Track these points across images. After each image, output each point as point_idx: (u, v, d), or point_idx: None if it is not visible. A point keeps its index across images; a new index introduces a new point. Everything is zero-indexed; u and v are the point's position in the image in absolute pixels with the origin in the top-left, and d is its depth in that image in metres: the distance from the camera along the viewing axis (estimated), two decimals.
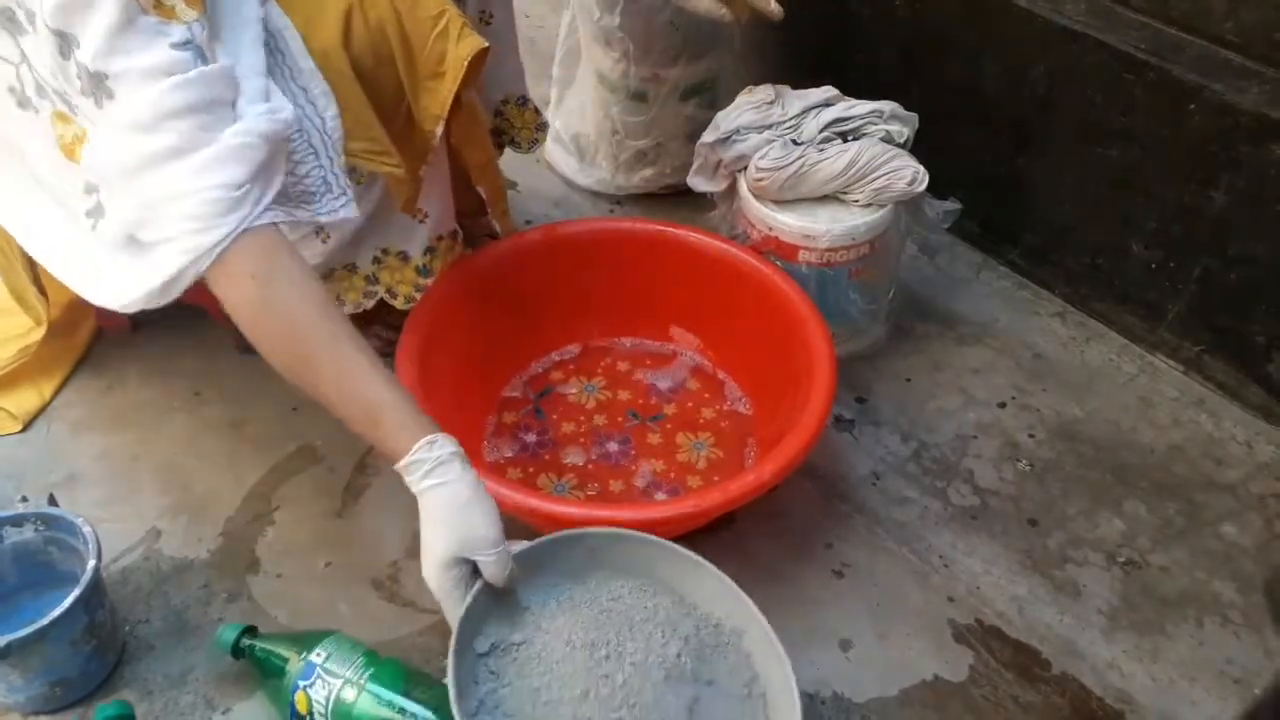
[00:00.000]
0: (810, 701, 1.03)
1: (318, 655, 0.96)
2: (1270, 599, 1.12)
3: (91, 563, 0.99)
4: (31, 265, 1.22)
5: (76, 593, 0.96)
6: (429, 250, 1.24)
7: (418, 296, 1.26)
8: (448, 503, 0.87)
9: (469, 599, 0.87)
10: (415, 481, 0.87)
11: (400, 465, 0.87)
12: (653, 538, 0.96)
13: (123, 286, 0.95)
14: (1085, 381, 1.37)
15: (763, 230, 1.29)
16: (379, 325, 1.39)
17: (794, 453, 1.05)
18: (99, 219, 0.95)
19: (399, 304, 1.27)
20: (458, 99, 1.04)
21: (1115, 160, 1.33)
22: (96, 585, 0.99)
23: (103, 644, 1.02)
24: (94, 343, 1.40)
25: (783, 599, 1.12)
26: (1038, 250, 1.49)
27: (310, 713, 0.94)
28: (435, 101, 1.04)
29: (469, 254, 1.29)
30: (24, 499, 1.19)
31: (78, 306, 1.39)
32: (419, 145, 1.10)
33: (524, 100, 1.40)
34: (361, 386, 0.89)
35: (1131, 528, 1.19)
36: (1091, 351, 1.42)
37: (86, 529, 1.02)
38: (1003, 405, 1.34)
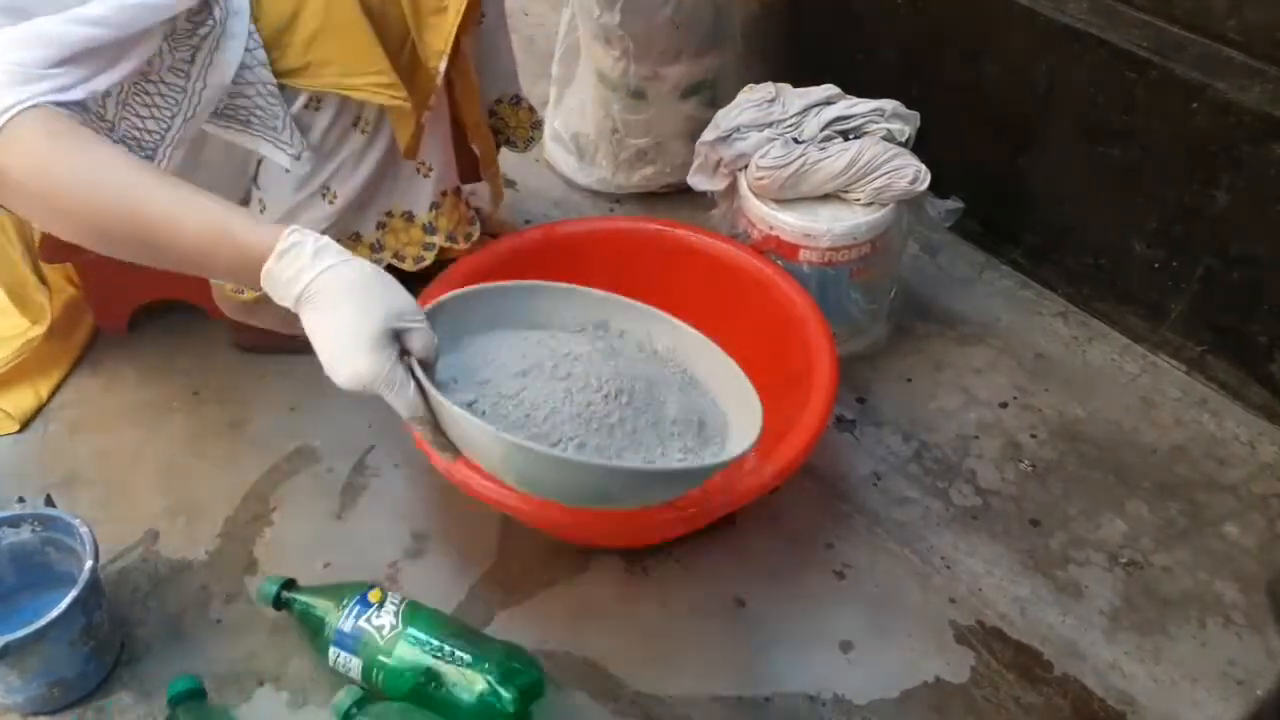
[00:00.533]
0: (811, 703, 1.03)
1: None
2: (1273, 599, 1.11)
3: (89, 563, 0.98)
4: (33, 257, 1.22)
5: (74, 594, 0.96)
6: (434, 206, 1.24)
7: (426, 257, 1.27)
8: (356, 277, 0.79)
9: (416, 375, 0.79)
10: (303, 269, 0.78)
11: (274, 263, 0.79)
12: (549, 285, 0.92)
13: None
14: (1087, 381, 1.37)
15: (763, 229, 1.29)
16: None
17: (795, 453, 1.04)
18: None
19: (408, 266, 1.27)
20: (457, 45, 1.09)
21: (1117, 159, 1.33)
22: (94, 586, 0.99)
23: (101, 645, 1.01)
24: (91, 343, 1.40)
25: (783, 599, 1.11)
26: (1039, 250, 1.49)
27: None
28: (438, 37, 1.08)
29: (469, 254, 1.29)
30: (21, 500, 1.19)
31: (76, 306, 1.39)
32: (422, 85, 1.12)
33: (517, 99, 1.41)
34: (197, 204, 0.83)
35: (1133, 528, 1.19)
36: (1093, 351, 1.41)
37: (84, 530, 1.02)
38: (1004, 405, 1.33)
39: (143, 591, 1.12)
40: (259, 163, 1.17)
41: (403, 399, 0.81)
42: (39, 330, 1.30)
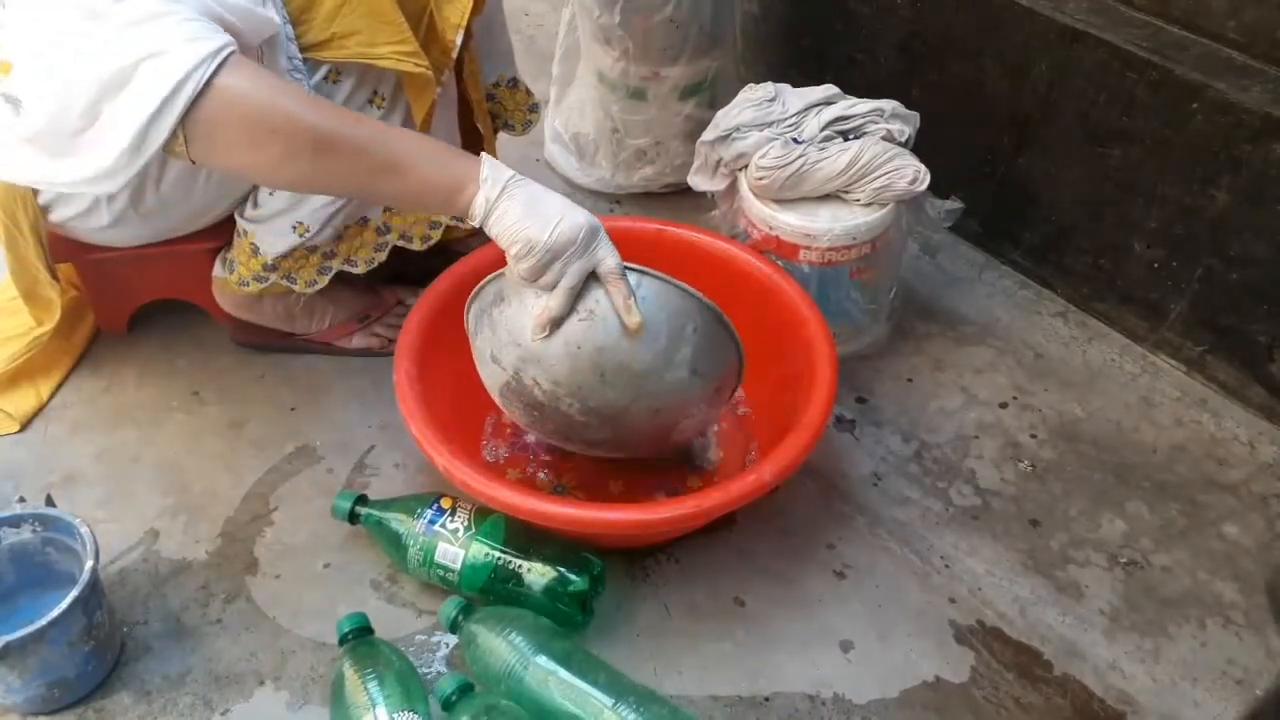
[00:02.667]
0: (811, 703, 1.03)
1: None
2: (1272, 599, 1.11)
3: (89, 563, 0.98)
4: (46, 254, 1.22)
5: (74, 594, 0.96)
6: None
7: (433, 235, 1.29)
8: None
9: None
10: (505, 171, 0.97)
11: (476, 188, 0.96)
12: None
13: (108, 137, 0.92)
14: (1087, 381, 1.37)
15: (763, 229, 1.29)
16: (379, 324, 1.39)
17: (795, 453, 1.04)
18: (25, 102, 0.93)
19: (416, 246, 1.29)
20: (467, 25, 1.15)
21: (1117, 159, 1.33)
22: (94, 586, 0.99)
23: (101, 645, 1.01)
24: (92, 343, 1.40)
25: (783, 599, 1.11)
26: (1039, 250, 1.49)
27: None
28: (455, 10, 1.14)
29: (469, 254, 1.29)
30: (22, 499, 1.19)
31: (76, 306, 1.39)
32: (438, 59, 1.16)
33: (514, 81, 1.42)
34: (411, 139, 1.00)
35: (1133, 528, 1.19)
36: (1093, 351, 1.41)
37: (84, 530, 1.02)
38: (1004, 405, 1.33)
39: (143, 592, 1.12)
40: None
41: (613, 254, 0.98)
42: (46, 328, 1.30)
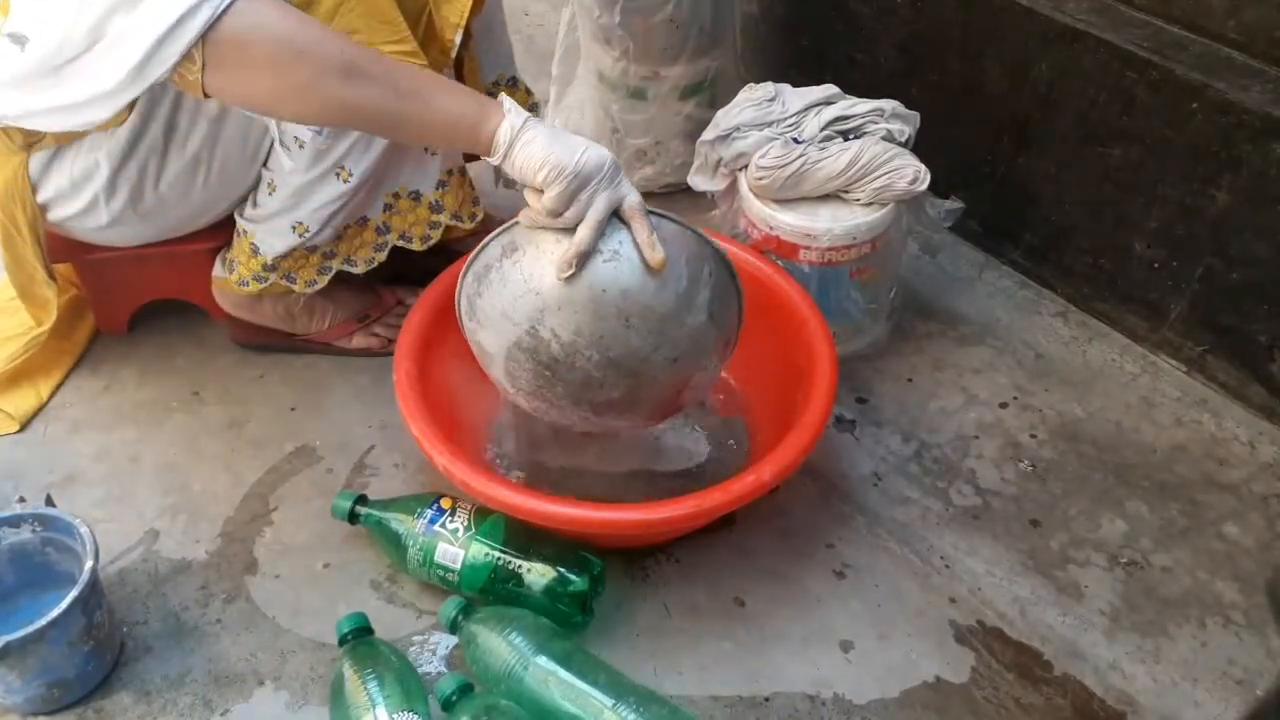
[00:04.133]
0: (811, 703, 1.03)
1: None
2: (1273, 599, 1.11)
3: (89, 564, 0.98)
4: (44, 253, 1.22)
5: (74, 594, 0.96)
6: (440, 185, 1.26)
7: (433, 235, 1.29)
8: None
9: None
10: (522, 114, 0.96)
11: (498, 125, 0.95)
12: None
13: (113, 54, 0.89)
14: (1087, 381, 1.37)
15: (763, 229, 1.29)
16: (379, 324, 1.39)
17: (795, 453, 1.04)
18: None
19: (416, 246, 1.29)
20: (466, 25, 1.15)
21: (1117, 159, 1.33)
22: (94, 586, 0.99)
23: (100, 645, 1.01)
24: (92, 343, 1.40)
25: (783, 599, 1.11)
26: (1039, 249, 1.49)
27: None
28: (454, 10, 1.14)
29: (469, 253, 1.29)
30: (21, 499, 1.19)
31: (76, 306, 1.39)
32: (436, 59, 1.16)
33: (514, 80, 1.42)
34: (428, 76, 1.00)
35: (1133, 528, 1.19)
36: (1093, 351, 1.41)
37: (84, 530, 1.02)
38: (1004, 405, 1.33)
39: (143, 592, 1.12)
40: (271, 145, 1.17)
41: (634, 191, 0.97)
42: (44, 329, 1.30)
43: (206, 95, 0.92)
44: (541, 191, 0.96)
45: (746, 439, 1.26)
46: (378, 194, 1.23)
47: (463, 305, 1.07)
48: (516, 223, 1.02)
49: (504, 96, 0.99)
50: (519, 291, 1.00)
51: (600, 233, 0.96)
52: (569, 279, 0.97)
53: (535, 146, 0.95)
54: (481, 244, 1.04)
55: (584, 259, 0.96)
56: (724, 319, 1.06)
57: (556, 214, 0.96)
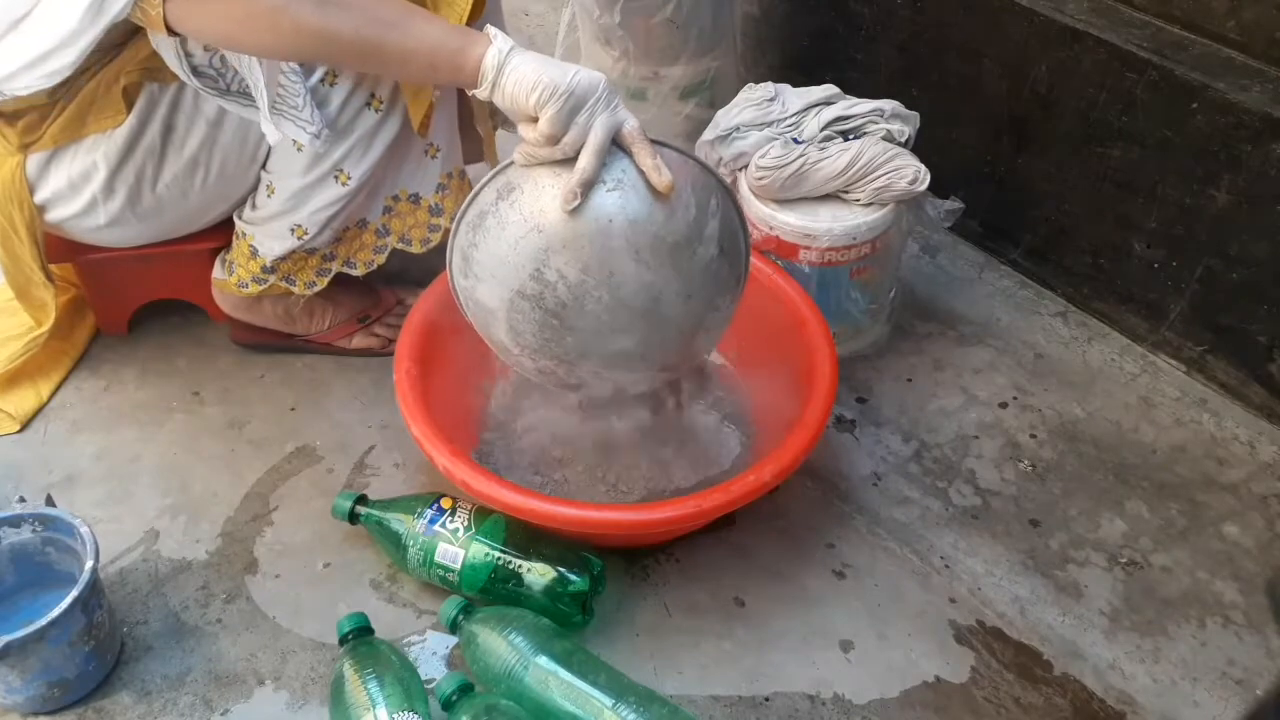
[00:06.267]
0: (811, 703, 1.03)
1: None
2: (1272, 599, 1.11)
3: (89, 563, 0.98)
4: (41, 255, 1.22)
5: (74, 594, 0.96)
6: (440, 188, 1.25)
7: (433, 238, 1.28)
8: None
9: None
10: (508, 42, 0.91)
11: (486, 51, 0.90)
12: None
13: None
14: (1087, 381, 1.37)
15: (763, 229, 1.29)
16: (379, 325, 1.39)
17: (795, 453, 1.04)
18: None
19: (415, 249, 1.28)
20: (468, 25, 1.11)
21: (1117, 159, 1.33)
22: (94, 586, 0.99)
23: (101, 645, 1.01)
24: (92, 343, 1.40)
25: (783, 599, 1.11)
26: (1039, 250, 1.49)
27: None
28: (454, 14, 1.10)
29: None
30: (22, 499, 1.19)
31: (76, 306, 1.39)
32: None
33: None
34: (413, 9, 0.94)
35: (1133, 528, 1.19)
36: (1093, 351, 1.41)
37: (84, 530, 1.02)
38: (1004, 405, 1.33)
39: (143, 591, 1.12)
40: (270, 147, 1.17)
41: (632, 116, 0.91)
42: (43, 330, 1.30)
43: (170, 30, 0.89)
44: (535, 121, 0.90)
45: (747, 439, 1.26)
46: (377, 197, 1.23)
47: (456, 262, 1.00)
48: (510, 164, 0.96)
49: (489, 26, 0.95)
50: (519, 233, 0.93)
51: (603, 158, 0.90)
52: (574, 211, 0.90)
53: (525, 70, 0.90)
54: (473, 192, 0.98)
55: (589, 187, 0.90)
56: (734, 253, 1.01)
57: (554, 139, 0.90)
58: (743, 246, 1.03)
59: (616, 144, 0.92)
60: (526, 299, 0.95)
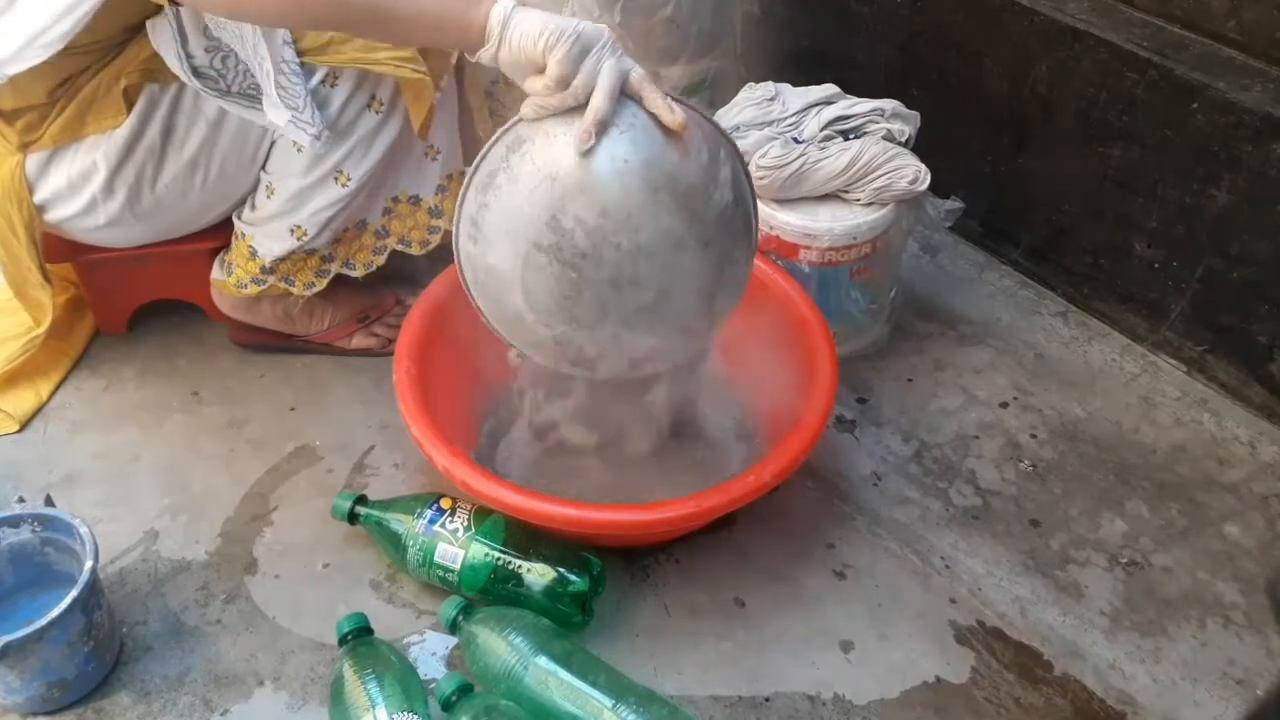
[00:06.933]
0: (811, 703, 1.03)
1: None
2: (1273, 599, 1.11)
3: (89, 564, 0.98)
4: (39, 256, 1.22)
5: (74, 594, 0.96)
6: (440, 190, 1.25)
7: (432, 240, 1.28)
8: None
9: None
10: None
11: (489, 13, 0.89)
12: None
13: None
14: (1087, 381, 1.37)
15: (763, 229, 1.28)
16: (378, 324, 1.39)
17: (795, 453, 1.04)
18: None
19: (415, 250, 1.28)
20: None
21: (1117, 159, 1.33)
22: (94, 586, 0.99)
23: (100, 645, 1.01)
24: (91, 343, 1.40)
25: (783, 599, 1.11)
26: (1040, 249, 1.49)
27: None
28: None
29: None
30: (21, 499, 1.19)
31: (76, 306, 1.39)
32: (437, 65, 1.14)
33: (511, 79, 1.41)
34: None
35: (1133, 528, 1.19)
36: (1094, 351, 1.41)
37: (84, 530, 1.01)
38: (1004, 405, 1.33)
39: (142, 592, 1.12)
40: (270, 148, 1.17)
41: (629, 62, 0.89)
42: (41, 330, 1.30)
43: (176, 1, 0.89)
44: (542, 72, 0.89)
45: (748, 439, 1.26)
46: (377, 198, 1.23)
47: (463, 230, 0.97)
48: (517, 120, 0.93)
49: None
50: (533, 184, 0.90)
51: (615, 99, 0.88)
52: (589, 153, 0.88)
53: (531, 20, 0.88)
54: (480, 154, 0.95)
55: (603, 127, 0.88)
56: (746, 205, 0.99)
57: (565, 82, 0.88)
58: (752, 202, 1.01)
59: (624, 93, 0.91)
60: (543, 251, 0.91)
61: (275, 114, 1.07)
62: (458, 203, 0.97)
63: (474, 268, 0.98)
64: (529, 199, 0.90)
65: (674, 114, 0.90)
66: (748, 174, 1.01)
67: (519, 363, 1.10)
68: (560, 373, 1.06)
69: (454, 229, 0.98)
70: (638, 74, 0.91)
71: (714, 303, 1.01)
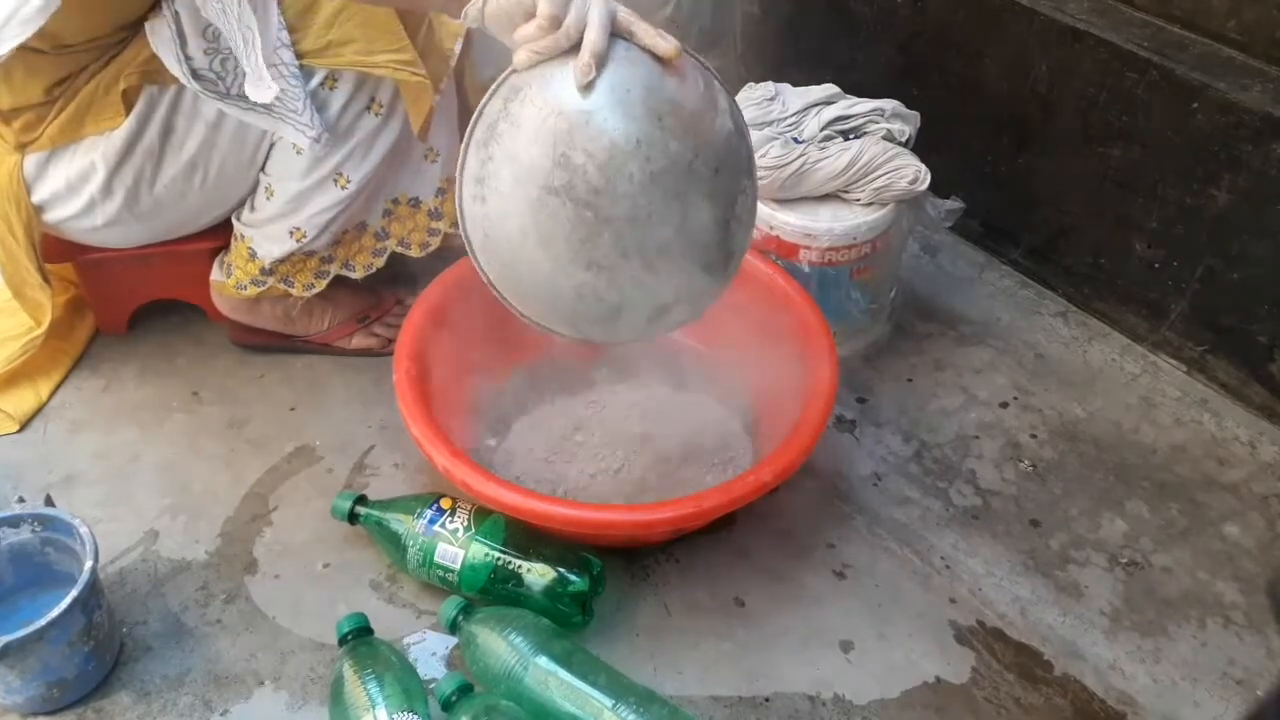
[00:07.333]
0: (811, 703, 1.03)
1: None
2: (1273, 599, 1.11)
3: (89, 564, 0.98)
4: (38, 256, 1.22)
5: (74, 594, 0.96)
6: (440, 192, 1.25)
7: (432, 243, 1.28)
8: None
9: None
10: None
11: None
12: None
13: None
14: (1087, 381, 1.37)
15: (764, 229, 1.28)
16: (378, 325, 1.39)
17: (795, 453, 1.04)
18: None
19: (414, 253, 1.29)
20: (467, 31, 1.13)
21: (1117, 159, 1.33)
22: (94, 586, 0.99)
23: (100, 645, 1.01)
24: (91, 343, 1.40)
25: (783, 599, 1.11)
26: (1040, 249, 1.49)
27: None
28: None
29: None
30: (21, 499, 1.19)
31: (76, 306, 1.39)
32: (435, 69, 1.14)
33: None
34: None
35: (1134, 528, 1.19)
36: (1094, 351, 1.41)
37: (84, 530, 1.01)
38: (1004, 405, 1.33)
39: (142, 592, 1.12)
40: (269, 150, 1.17)
41: (614, 2, 0.88)
42: (40, 330, 1.30)
43: None
44: (531, 16, 0.87)
45: (748, 437, 1.26)
46: (377, 200, 1.23)
47: (468, 192, 0.94)
48: (510, 72, 0.91)
49: None
50: (537, 124, 0.88)
51: (609, 32, 0.87)
52: (590, 86, 0.86)
53: None
54: (476, 113, 0.92)
55: (602, 59, 0.87)
56: (744, 131, 0.98)
57: (557, 20, 0.87)
58: (747, 132, 0.99)
59: (613, 31, 0.89)
60: (556, 194, 0.88)
61: (256, 91, 1.05)
62: (458, 167, 0.94)
63: (483, 230, 0.94)
64: (535, 140, 0.88)
65: (666, 42, 0.89)
66: (735, 103, 0.99)
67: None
68: (580, 343, 1.02)
69: (457, 196, 0.95)
70: (624, 12, 0.90)
71: (730, 234, 0.97)
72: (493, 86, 0.92)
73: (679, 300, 0.98)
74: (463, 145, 0.93)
